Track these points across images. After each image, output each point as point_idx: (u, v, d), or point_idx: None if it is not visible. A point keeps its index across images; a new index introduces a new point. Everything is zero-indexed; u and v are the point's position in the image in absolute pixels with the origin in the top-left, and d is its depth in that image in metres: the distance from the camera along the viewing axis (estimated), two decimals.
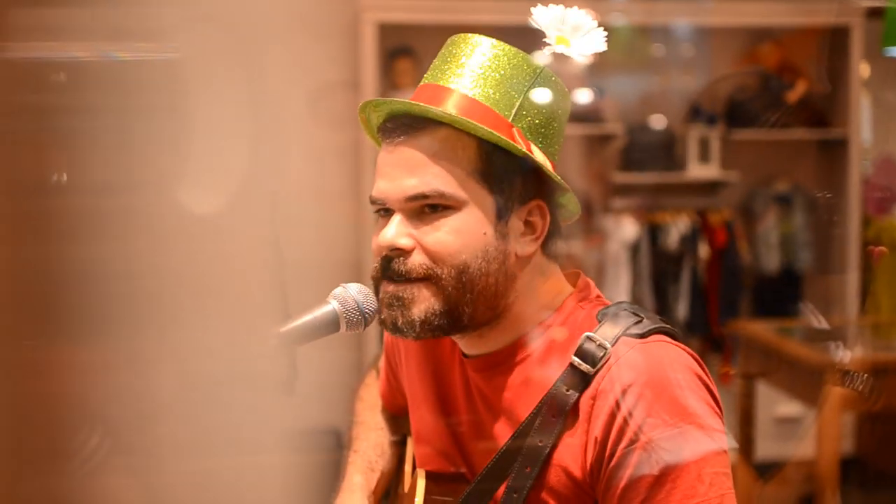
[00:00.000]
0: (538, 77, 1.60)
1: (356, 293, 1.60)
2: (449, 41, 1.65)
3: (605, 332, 1.54)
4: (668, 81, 6.11)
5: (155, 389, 0.76)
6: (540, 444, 1.53)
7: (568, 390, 1.52)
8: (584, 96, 5.61)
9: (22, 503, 0.67)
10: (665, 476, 1.45)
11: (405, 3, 5.45)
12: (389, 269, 1.56)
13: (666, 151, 5.92)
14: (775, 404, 5.75)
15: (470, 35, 1.62)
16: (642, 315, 1.57)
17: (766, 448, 5.39)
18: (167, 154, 0.78)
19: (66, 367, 0.68)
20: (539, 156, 1.57)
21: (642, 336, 1.54)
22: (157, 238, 0.77)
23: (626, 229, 5.80)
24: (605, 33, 1.65)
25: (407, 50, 5.55)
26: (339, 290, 1.61)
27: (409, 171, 1.54)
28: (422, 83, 1.63)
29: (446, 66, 1.61)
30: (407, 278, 1.55)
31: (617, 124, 5.86)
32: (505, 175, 1.55)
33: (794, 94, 5.98)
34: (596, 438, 1.50)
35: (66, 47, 0.67)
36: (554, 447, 1.53)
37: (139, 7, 0.75)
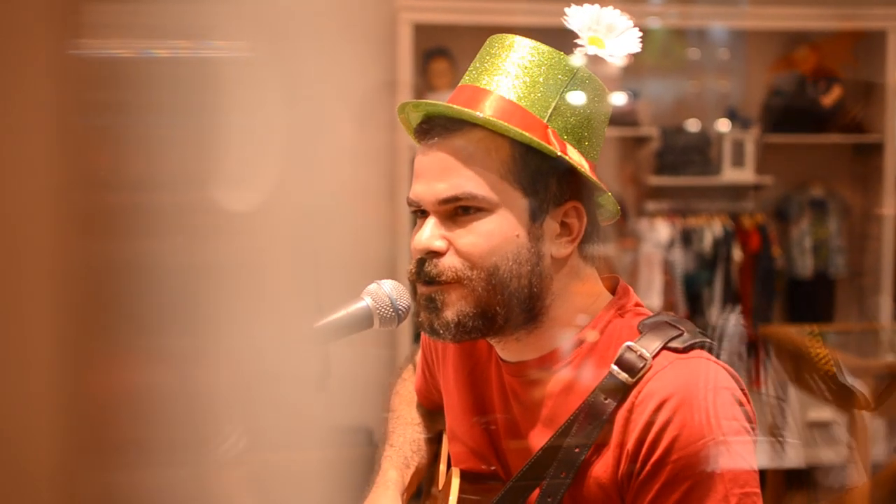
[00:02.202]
0: (574, 77, 1.59)
1: (390, 290, 1.60)
2: (487, 41, 1.64)
3: (646, 344, 1.53)
4: (703, 85, 6.10)
5: (202, 385, 0.77)
6: (576, 451, 1.53)
7: (606, 399, 1.52)
8: (618, 99, 5.60)
9: (78, 497, 0.68)
10: (692, 494, 1.45)
11: (441, 4, 5.46)
12: (423, 271, 1.56)
13: (700, 155, 5.91)
14: (807, 409, 5.73)
15: (507, 35, 1.62)
16: (683, 328, 1.56)
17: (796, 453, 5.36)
18: (223, 152, 0.79)
19: (119, 362, 0.69)
20: (575, 156, 1.56)
21: (683, 350, 1.53)
22: (211, 235, 0.78)
23: (660, 232, 5.79)
24: (640, 34, 1.64)
25: (443, 51, 5.57)
26: (372, 287, 1.61)
27: (442, 173, 1.55)
28: (460, 84, 1.63)
29: (484, 67, 1.60)
30: (438, 281, 1.55)
31: (651, 127, 5.86)
32: (539, 176, 1.55)
33: (830, 98, 5.96)
34: (628, 451, 1.49)
35: (132, 44, 0.68)
36: (589, 455, 1.53)
37: (206, 4, 0.76)
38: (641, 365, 1.51)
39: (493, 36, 1.64)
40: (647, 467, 1.47)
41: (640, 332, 1.56)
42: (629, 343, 1.54)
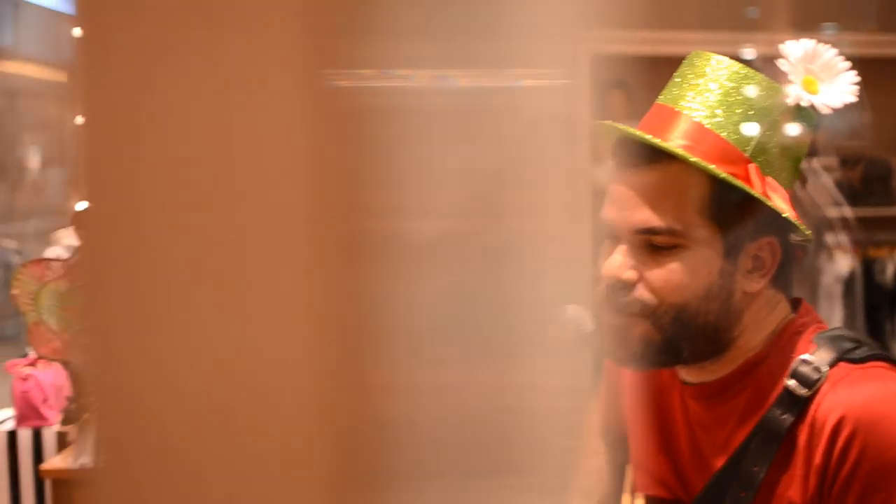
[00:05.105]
0: (781, 108, 1.53)
1: (572, 314, 1.58)
2: (689, 57, 1.59)
3: (822, 356, 1.50)
4: (883, 113, 5.98)
5: (461, 415, 0.77)
6: (755, 470, 1.51)
7: (782, 414, 1.49)
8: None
9: None
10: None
11: (621, 35, 5.47)
12: (611, 299, 1.55)
13: (881, 185, 5.80)
14: None
15: (712, 55, 1.56)
16: (861, 340, 1.53)
17: None
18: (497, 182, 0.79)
19: (392, 387, 0.71)
20: (778, 200, 1.51)
21: (860, 361, 1.50)
22: (486, 265, 0.78)
23: (840, 264, 5.69)
24: (858, 79, 1.58)
25: (621, 83, 5.58)
26: None
27: (639, 203, 1.51)
28: (657, 101, 1.59)
29: (683, 87, 1.55)
30: (626, 312, 1.54)
31: (830, 157, 5.76)
32: (737, 213, 1.51)
33: None
34: (816, 467, 1.46)
35: (396, 76, 0.70)
36: (770, 474, 1.50)
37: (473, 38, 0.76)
38: (817, 377, 1.48)
39: (696, 52, 1.59)
40: (839, 483, 1.44)
41: (816, 345, 1.53)
42: (804, 356, 1.51)
